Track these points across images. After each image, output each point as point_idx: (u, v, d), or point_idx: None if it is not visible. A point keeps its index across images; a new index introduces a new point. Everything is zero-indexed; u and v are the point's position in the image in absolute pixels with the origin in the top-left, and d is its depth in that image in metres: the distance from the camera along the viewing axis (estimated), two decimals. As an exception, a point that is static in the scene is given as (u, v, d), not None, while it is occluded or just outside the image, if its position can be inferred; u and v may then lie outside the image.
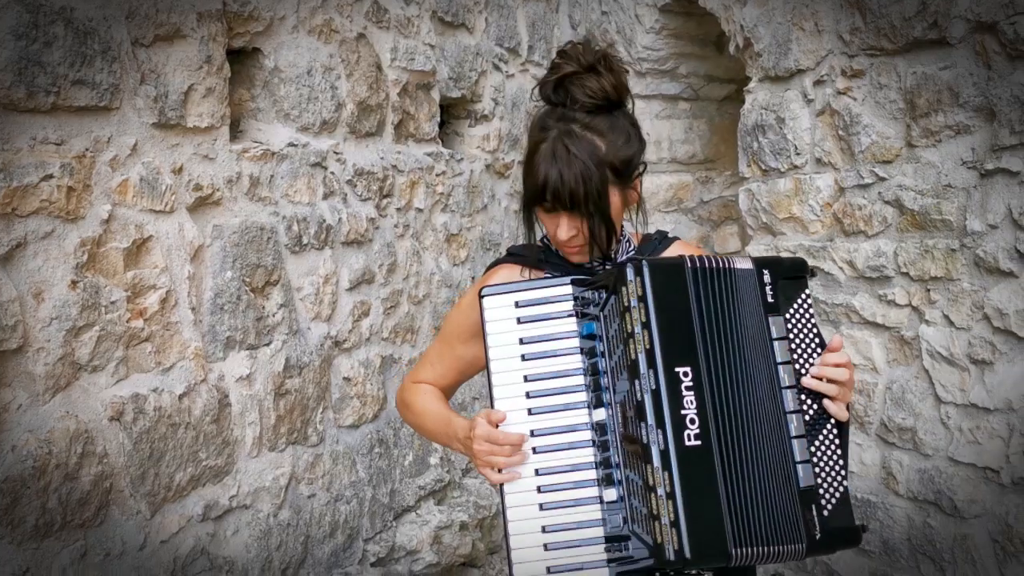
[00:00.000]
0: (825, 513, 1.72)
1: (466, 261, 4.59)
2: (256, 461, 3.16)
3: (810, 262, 3.65)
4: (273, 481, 3.23)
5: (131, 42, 2.67)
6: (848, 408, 1.80)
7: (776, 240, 3.86)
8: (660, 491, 1.66)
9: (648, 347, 1.70)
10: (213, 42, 2.97)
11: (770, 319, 1.78)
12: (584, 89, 1.80)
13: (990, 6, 3.00)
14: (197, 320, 2.91)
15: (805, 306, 1.81)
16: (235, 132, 3.21)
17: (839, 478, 1.76)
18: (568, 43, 1.88)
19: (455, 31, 4.52)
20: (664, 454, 1.66)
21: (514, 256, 2.05)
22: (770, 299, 1.78)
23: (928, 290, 3.22)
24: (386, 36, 3.96)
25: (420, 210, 4.22)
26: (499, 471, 1.81)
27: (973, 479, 3.12)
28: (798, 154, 3.73)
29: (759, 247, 3.95)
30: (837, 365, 1.76)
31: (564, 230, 1.83)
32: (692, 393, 1.70)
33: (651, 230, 2.07)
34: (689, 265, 1.74)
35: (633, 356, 1.72)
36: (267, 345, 3.22)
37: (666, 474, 1.66)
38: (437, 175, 4.34)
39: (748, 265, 1.79)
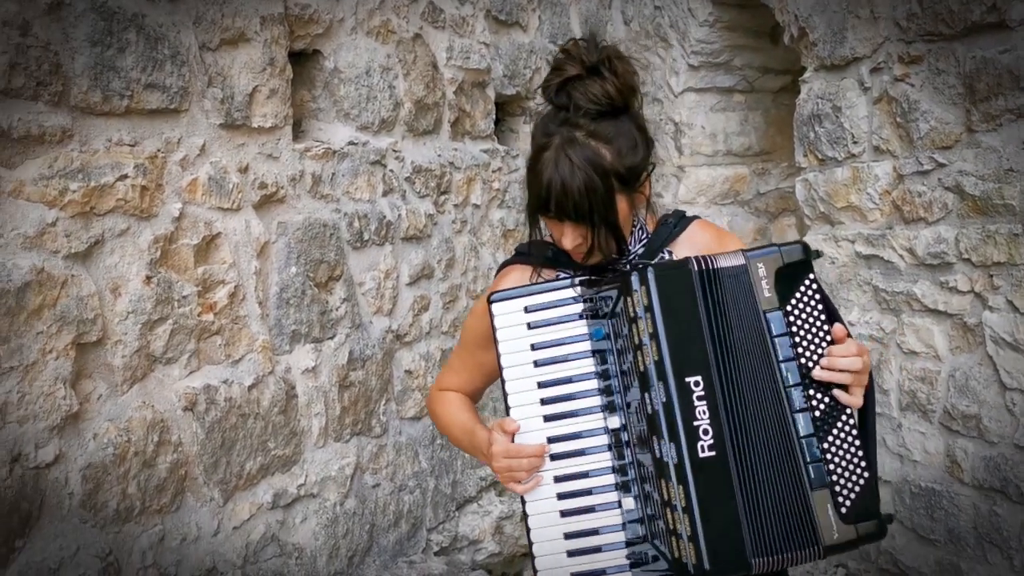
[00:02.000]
0: (843, 510, 1.68)
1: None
2: (322, 451, 3.27)
3: (869, 250, 3.68)
4: (339, 471, 3.33)
5: (199, 46, 2.80)
6: (869, 391, 1.75)
7: (835, 230, 3.88)
8: (676, 504, 1.65)
9: (657, 359, 1.68)
10: (276, 45, 3.08)
11: (768, 316, 1.72)
12: (587, 95, 1.73)
13: (1049, -13, 3.00)
14: (264, 314, 3.03)
15: (810, 292, 1.74)
16: (297, 132, 3.32)
17: (859, 469, 1.71)
18: (571, 40, 1.80)
19: (509, 29, 4.61)
20: (679, 468, 1.65)
21: (522, 256, 1.98)
22: (767, 293, 1.72)
23: (991, 276, 3.22)
24: (441, 36, 4.06)
25: (477, 206, 4.30)
26: (521, 482, 1.79)
27: (1039, 466, 3.13)
28: (855, 142, 3.75)
29: (817, 237, 3.97)
30: (845, 355, 1.70)
31: (569, 239, 1.78)
32: (704, 403, 1.67)
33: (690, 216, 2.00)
34: (696, 268, 1.70)
35: (642, 367, 1.69)
36: (331, 338, 3.32)
37: (681, 488, 1.65)
38: (493, 171, 4.42)
39: (739, 261, 1.72)
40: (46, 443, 2.30)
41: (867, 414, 1.76)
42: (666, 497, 1.67)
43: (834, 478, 1.69)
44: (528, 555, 1.82)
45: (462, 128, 4.22)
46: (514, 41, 4.65)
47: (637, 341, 1.70)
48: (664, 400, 1.67)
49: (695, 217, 1.98)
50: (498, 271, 2.05)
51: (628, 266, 1.85)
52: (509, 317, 1.81)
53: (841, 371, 1.69)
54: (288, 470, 3.11)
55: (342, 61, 3.45)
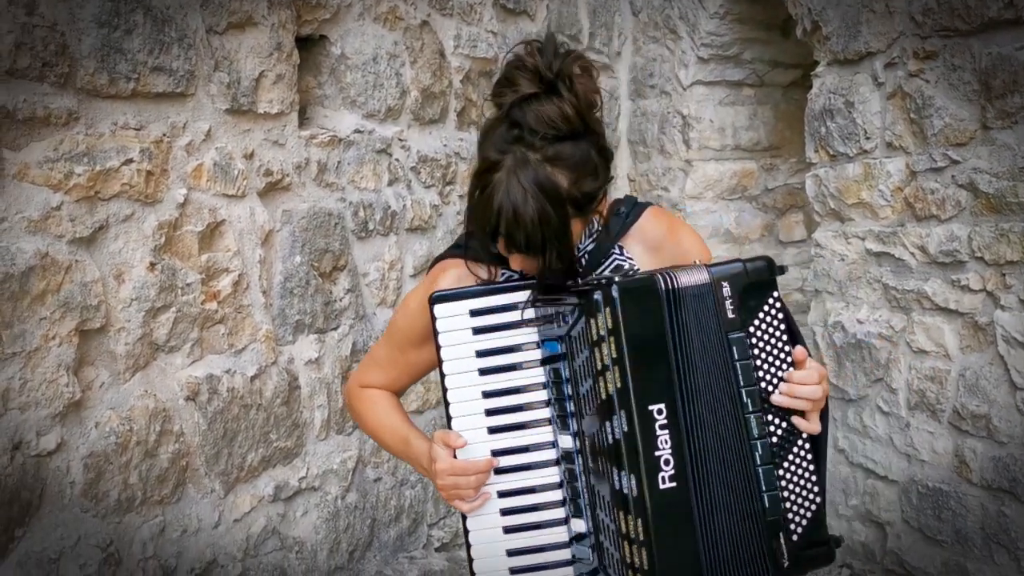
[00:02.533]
0: (794, 538, 1.65)
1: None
2: (324, 444, 3.26)
3: (880, 248, 3.68)
4: (341, 464, 3.33)
5: (205, 29, 2.78)
6: (823, 415, 1.70)
7: (845, 226, 3.87)
8: (634, 537, 1.60)
9: (619, 386, 1.60)
10: (283, 29, 3.07)
11: (731, 337, 1.64)
12: (542, 117, 1.56)
13: (1068, -16, 3.00)
14: (268, 303, 3.02)
15: (773, 312, 1.67)
16: (302, 119, 3.31)
17: (811, 496, 1.68)
18: (525, 44, 1.60)
19: (516, 18, 4.59)
20: (638, 500, 1.59)
21: (465, 251, 1.78)
22: (731, 314, 1.64)
23: (1003, 275, 3.22)
24: (449, 23, 4.05)
25: (482, 197, 4.29)
26: (467, 500, 1.71)
27: (1050, 468, 3.13)
28: (867, 138, 3.74)
29: (827, 233, 3.96)
30: (806, 383, 1.64)
31: (518, 262, 1.68)
32: (667, 431, 1.60)
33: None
34: (663, 287, 1.61)
35: (604, 395, 1.62)
36: (335, 329, 3.32)
37: (639, 521, 1.59)
38: (499, 162, 4.41)
39: (704, 278, 1.63)
40: (48, 431, 2.29)
41: (819, 438, 1.70)
42: (624, 530, 1.61)
43: (788, 505, 1.66)
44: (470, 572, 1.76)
45: (468, 118, 4.21)
46: (521, 30, 4.64)
47: (599, 366, 1.62)
48: (626, 430, 1.59)
49: (647, 204, 1.86)
50: (432, 265, 1.88)
51: (582, 267, 1.74)
52: (453, 320, 1.71)
53: (800, 398, 1.65)
54: (290, 462, 3.11)
55: (349, 47, 3.44)
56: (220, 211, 2.83)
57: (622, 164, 5.61)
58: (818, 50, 4.01)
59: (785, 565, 1.63)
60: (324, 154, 3.28)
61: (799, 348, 1.67)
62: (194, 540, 2.71)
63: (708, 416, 1.63)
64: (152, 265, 2.59)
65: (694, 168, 5.34)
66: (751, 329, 1.65)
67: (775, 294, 1.67)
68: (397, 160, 3.69)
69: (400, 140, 3.71)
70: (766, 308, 1.66)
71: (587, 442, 1.68)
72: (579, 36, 5.17)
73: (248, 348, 2.94)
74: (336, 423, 3.31)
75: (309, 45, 3.35)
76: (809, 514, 1.67)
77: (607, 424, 1.61)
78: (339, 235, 3.34)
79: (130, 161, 2.52)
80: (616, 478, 1.61)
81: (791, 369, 1.66)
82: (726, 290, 1.64)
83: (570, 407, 1.70)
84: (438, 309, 1.70)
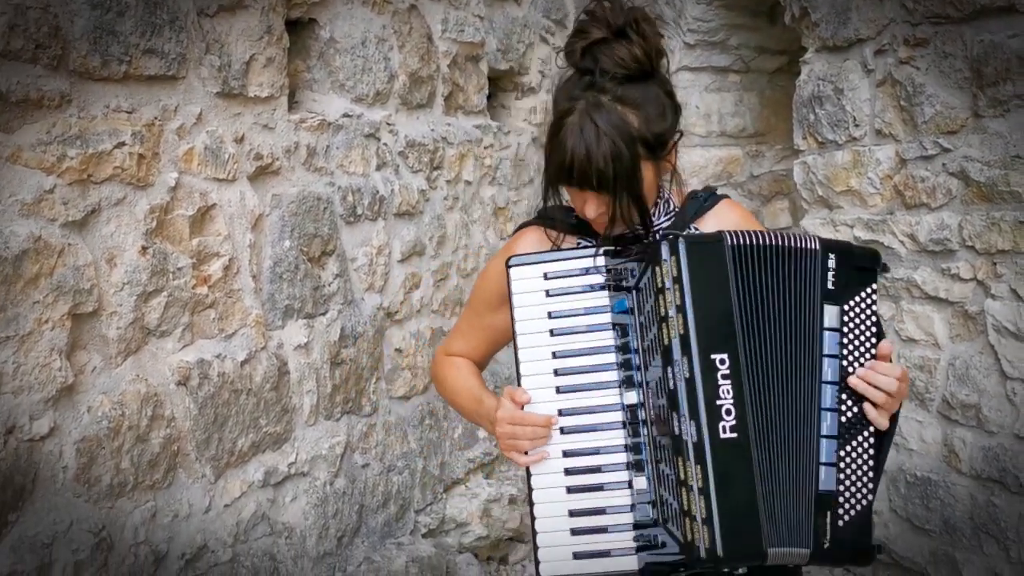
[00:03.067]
0: (840, 523, 1.67)
1: (514, 235, 4.70)
2: (313, 429, 3.29)
3: (869, 236, 3.73)
4: (329, 449, 3.35)
5: (196, 12, 2.79)
6: (894, 420, 1.72)
7: (833, 214, 3.93)
8: (693, 485, 1.62)
9: (683, 332, 1.64)
10: (273, 12, 3.08)
11: (825, 307, 1.70)
12: (614, 58, 1.69)
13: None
14: (258, 288, 3.03)
15: (868, 301, 1.73)
16: (291, 102, 3.32)
17: (864, 490, 1.69)
18: (594, 1, 1.73)
19: (503, 3, 4.61)
20: (698, 446, 1.62)
21: (544, 220, 1.92)
22: (831, 286, 1.70)
23: (994, 263, 3.28)
24: (437, 7, 4.06)
25: (469, 183, 4.32)
26: (525, 453, 1.76)
27: (1037, 456, 3.20)
28: (857, 125, 3.79)
29: (814, 221, 4.02)
30: (886, 375, 1.69)
31: (592, 209, 1.75)
32: (729, 382, 1.64)
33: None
34: (730, 242, 1.67)
35: (667, 341, 1.66)
36: (323, 314, 3.34)
37: (699, 468, 1.62)
38: (485, 148, 4.44)
39: (814, 245, 1.71)
40: (41, 415, 2.31)
41: (884, 440, 1.73)
42: (682, 476, 1.63)
43: (841, 488, 1.68)
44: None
45: (455, 103, 4.23)
46: (508, 15, 4.66)
47: (663, 313, 1.66)
48: (687, 376, 1.64)
49: (725, 195, 1.95)
50: (514, 232, 2.01)
51: (655, 238, 1.79)
52: (527, 283, 1.79)
53: (877, 388, 1.69)
54: (279, 448, 3.13)
55: (338, 31, 3.45)
56: (211, 195, 2.84)
57: (608, 150, 5.63)
58: (807, 36, 4.05)
59: (825, 546, 1.66)
60: (313, 138, 3.29)
61: (885, 342, 1.73)
62: (185, 525, 2.73)
63: (778, 375, 1.68)
64: (144, 249, 2.60)
65: (680, 154, 5.38)
66: (845, 308, 1.71)
67: (874, 285, 1.73)
68: (385, 145, 3.71)
69: (388, 124, 3.72)
70: (863, 295, 1.73)
71: (650, 392, 1.72)
72: (565, 21, 5.19)
73: (238, 333, 2.95)
74: (325, 408, 3.34)
75: (299, 28, 3.36)
76: (859, 506, 1.69)
77: (669, 370, 1.65)
78: (328, 220, 3.35)
79: (122, 144, 2.52)
80: (676, 423, 1.64)
81: (873, 360, 1.71)
82: (831, 261, 1.71)
83: (636, 360, 1.74)
84: (514, 272, 1.79)
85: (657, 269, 1.67)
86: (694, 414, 1.63)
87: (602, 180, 1.68)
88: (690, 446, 1.62)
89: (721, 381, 1.64)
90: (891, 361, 1.73)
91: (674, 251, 1.65)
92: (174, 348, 2.73)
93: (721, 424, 1.63)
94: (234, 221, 2.93)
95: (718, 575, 1.72)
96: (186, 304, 2.75)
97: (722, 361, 1.64)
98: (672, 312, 1.65)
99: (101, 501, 2.47)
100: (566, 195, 1.84)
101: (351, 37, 3.50)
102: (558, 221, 1.89)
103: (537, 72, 4.96)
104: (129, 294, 2.56)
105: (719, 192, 1.95)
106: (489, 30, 4.48)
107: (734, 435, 1.63)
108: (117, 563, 2.50)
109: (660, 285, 1.67)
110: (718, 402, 1.63)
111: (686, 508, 1.63)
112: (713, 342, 1.64)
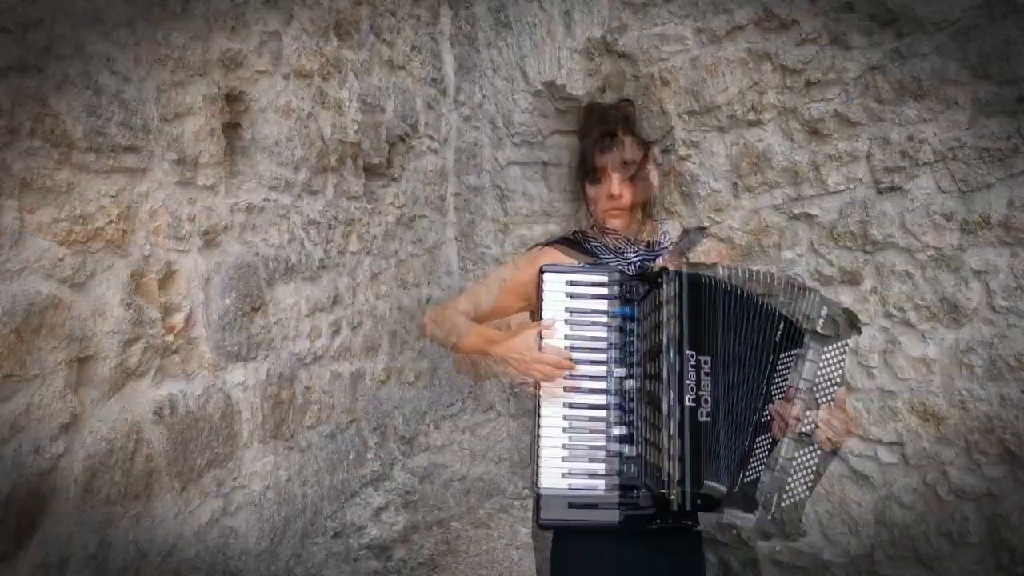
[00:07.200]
0: (744, 482, 1.80)
1: (387, 295, 4.99)
2: (250, 451, 3.45)
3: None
4: (262, 467, 3.52)
5: (160, 118, 3.00)
6: (833, 452, 1.86)
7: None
8: (673, 452, 1.74)
9: (676, 334, 1.76)
10: (214, 118, 3.30)
11: (785, 347, 1.82)
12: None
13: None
14: (209, 336, 3.21)
15: (841, 352, 1.81)
16: (227, 189, 3.52)
17: (803, 483, 1.82)
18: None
19: (373, 111, 4.94)
20: (680, 424, 1.74)
21: (567, 241, 2.10)
22: (818, 328, 1.81)
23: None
24: (327, 115, 4.35)
25: (354, 253, 4.59)
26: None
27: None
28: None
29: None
30: (832, 422, 1.83)
31: (615, 184, 1.94)
32: (709, 379, 1.76)
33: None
34: (722, 273, 1.84)
35: (662, 341, 1.77)
36: (255, 359, 3.53)
37: (679, 441, 1.74)
38: (363, 226, 4.73)
39: (808, 292, 1.85)
40: (58, 438, 2.43)
41: (822, 457, 1.87)
42: (662, 446, 1.76)
43: (750, 462, 1.83)
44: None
45: (341, 189, 4.51)
46: (376, 119, 4.99)
47: (663, 318, 1.80)
48: (678, 368, 1.77)
49: (712, 234, 2.21)
50: (533, 247, 2.19)
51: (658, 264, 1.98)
52: (555, 285, 1.94)
53: (830, 427, 1.85)
54: (226, 465, 3.29)
55: (259, 133, 3.69)
56: (174, 262, 3.02)
57: (451, 227, 6.02)
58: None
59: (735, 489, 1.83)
60: (243, 217, 3.51)
61: (842, 389, 1.89)
62: (161, 528, 2.86)
63: (738, 385, 1.84)
64: (127, 304, 2.76)
65: (510, 231, 5.83)
66: (823, 348, 1.83)
67: (849, 341, 1.87)
68: (294, 222, 3.95)
69: (295, 207, 3.97)
70: (837, 345, 1.85)
71: (643, 374, 1.84)
72: (416, 125, 5.57)
73: (196, 374, 3.12)
74: (258, 434, 3.51)
75: (229, 130, 3.58)
76: (756, 477, 1.84)
77: (661, 358, 1.79)
78: (255, 282, 3.56)
79: (112, 222, 2.70)
80: (662, 401, 1.77)
81: (831, 400, 1.87)
82: (824, 311, 1.84)
83: (632, 350, 1.86)
84: (547, 277, 1.95)
85: (661, 289, 1.82)
86: (680, 398, 1.78)
87: (629, 118, 1.98)
88: (673, 422, 1.77)
89: (703, 377, 1.80)
90: (845, 405, 1.89)
91: (678, 275, 1.83)
92: (149, 386, 2.88)
93: (700, 410, 1.79)
94: (191, 281, 3.12)
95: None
96: (158, 349, 2.91)
97: (706, 361, 1.81)
98: (670, 319, 1.80)
99: (101, 508, 2.59)
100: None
101: (268, 138, 3.75)
102: (577, 243, 2.11)
103: (399, 166, 5.31)
104: (116, 342, 2.72)
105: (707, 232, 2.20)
106: (363, 131, 4.80)
107: (708, 419, 1.79)
108: (115, 558, 2.62)
109: (662, 300, 1.82)
110: (699, 393, 1.79)
111: (665, 471, 1.78)
112: (700, 345, 1.81)
